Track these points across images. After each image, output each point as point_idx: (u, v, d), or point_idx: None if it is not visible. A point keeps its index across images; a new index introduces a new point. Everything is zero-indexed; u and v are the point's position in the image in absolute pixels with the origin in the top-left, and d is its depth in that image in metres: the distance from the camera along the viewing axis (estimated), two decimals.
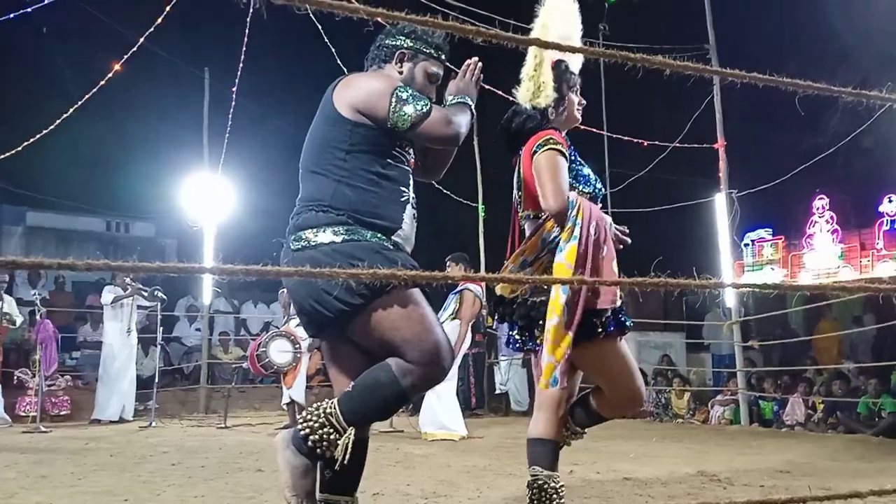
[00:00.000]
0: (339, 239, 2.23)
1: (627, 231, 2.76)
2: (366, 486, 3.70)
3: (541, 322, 2.61)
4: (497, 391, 10.47)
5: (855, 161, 10.11)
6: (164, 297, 8.83)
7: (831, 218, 10.35)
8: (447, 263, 6.91)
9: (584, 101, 2.87)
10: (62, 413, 8.95)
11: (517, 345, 2.75)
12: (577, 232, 2.55)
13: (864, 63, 9.42)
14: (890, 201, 9.63)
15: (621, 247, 2.74)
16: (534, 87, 2.77)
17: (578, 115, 2.87)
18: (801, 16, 9.89)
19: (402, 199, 2.36)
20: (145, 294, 8.66)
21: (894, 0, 6.69)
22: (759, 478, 4.49)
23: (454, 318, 6.70)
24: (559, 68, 2.79)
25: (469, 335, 6.83)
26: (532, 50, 2.76)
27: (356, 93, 2.33)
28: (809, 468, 5.02)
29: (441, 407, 6.78)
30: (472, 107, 2.46)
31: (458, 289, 6.74)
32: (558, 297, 2.51)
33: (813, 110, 9.18)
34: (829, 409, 7.89)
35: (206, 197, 10.46)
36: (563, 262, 2.53)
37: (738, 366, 8.91)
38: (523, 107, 2.79)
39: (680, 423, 9.16)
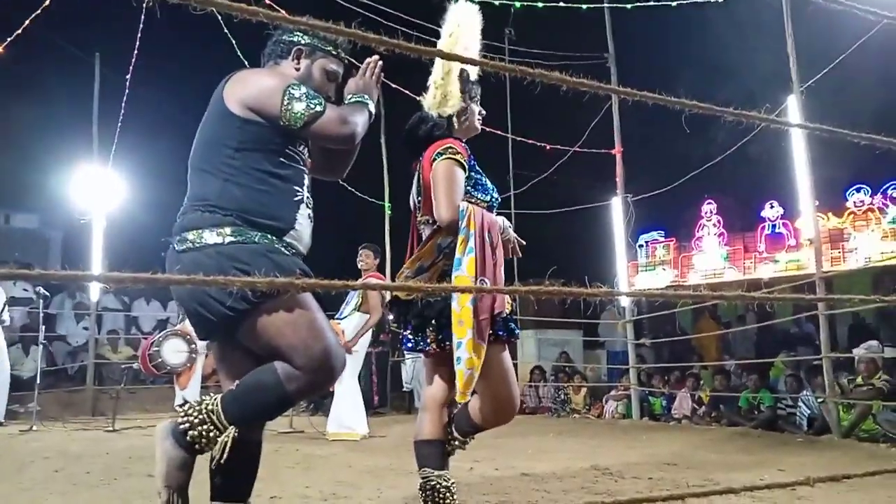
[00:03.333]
0: (223, 240, 2.18)
1: (524, 243, 2.82)
2: (262, 489, 3.64)
3: (433, 322, 2.66)
4: (404, 388, 10.53)
5: (741, 169, 10.72)
6: (47, 293, 8.36)
7: (718, 221, 10.96)
8: (359, 252, 6.84)
9: (483, 112, 2.94)
10: None
11: (410, 344, 2.77)
12: (471, 242, 2.58)
13: (751, 80, 10.04)
14: (772, 207, 10.30)
15: (518, 255, 2.81)
16: (441, 95, 2.81)
17: (478, 125, 2.94)
18: (696, 32, 10.38)
19: (296, 199, 2.32)
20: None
21: (778, 22, 7.16)
22: (647, 470, 4.70)
23: (357, 310, 6.65)
24: (462, 77, 2.84)
25: (368, 332, 6.78)
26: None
27: (247, 89, 2.28)
28: (694, 460, 5.28)
29: (342, 406, 6.73)
30: (371, 106, 2.45)
31: (363, 279, 6.70)
32: (467, 309, 2.53)
33: (703, 121, 9.65)
34: (713, 404, 8.33)
35: (96, 188, 9.97)
36: (465, 274, 2.55)
37: (631, 362, 9.29)
38: (429, 113, 2.84)
39: (577, 419, 9.44)
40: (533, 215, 9.75)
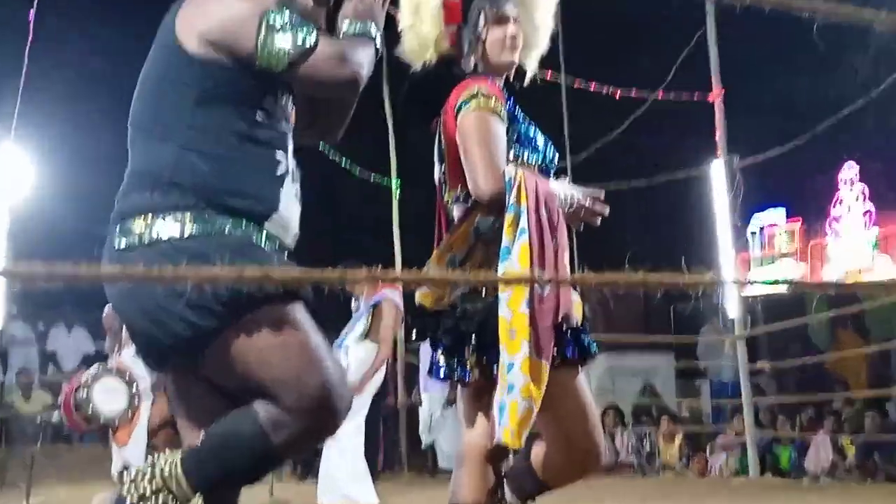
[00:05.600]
0: (183, 232, 2.19)
1: (601, 196, 2.80)
2: None
3: (473, 339, 2.66)
4: (423, 445, 10.40)
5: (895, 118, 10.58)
6: None
7: (863, 194, 10.80)
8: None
9: (516, 33, 2.92)
10: None
11: (443, 372, 2.77)
12: (524, 222, 2.59)
13: None
14: None
15: (597, 221, 2.79)
16: (417, 41, 2.90)
17: (510, 54, 2.92)
18: None
19: (279, 172, 2.34)
20: None
21: None
22: None
23: (365, 338, 6.67)
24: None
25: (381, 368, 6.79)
26: None
27: (209, 18, 2.30)
28: None
29: (343, 467, 6.73)
30: (378, 38, 2.46)
31: (374, 300, 6.74)
32: (521, 316, 2.54)
33: (838, 47, 9.55)
34: (865, 452, 8.21)
35: None
36: (517, 268, 2.56)
37: (744, 396, 9.19)
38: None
39: (670, 477, 9.38)
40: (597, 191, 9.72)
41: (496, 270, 2.61)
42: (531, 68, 3.10)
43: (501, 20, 2.89)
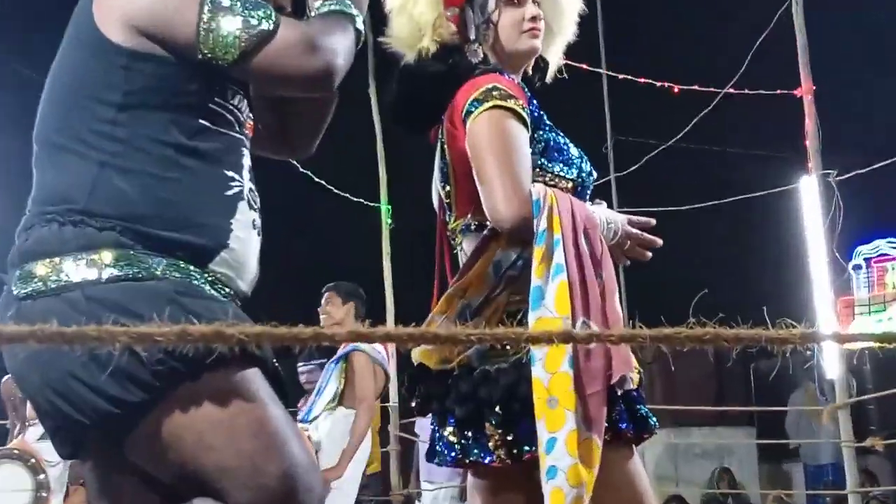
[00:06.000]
0: (100, 275, 2.18)
1: (653, 223, 2.84)
2: None
3: (498, 409, 2.63)
4: None
5: None
6: None
7: None
8: (324, 296, 6.99)
9: (537, 13, 2.94)
10: None
11: (452, 455, 2.75)
12: (559, 256, 2.59)
13: None
14: None
15: (647, 256, 2.84)
16: (410, 25, 2.91)
17: (530, 40, 2.94)
18: None
19: (230, 193, 2.35)
20: None
21: None
22: None
23: (338, 405, 6.66)
24: None
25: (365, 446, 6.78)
26: None
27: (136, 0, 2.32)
28: None
29: None
30: (359, 19, 2.47)
31: (343, 351, 6.76)
32: (563, 378, 2.52)
33: None
34: None
35: None
36: (552, 315, 2.55)
37: (849, 484, 9.13)
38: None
39: None
40: (649, 214, 9.67)
41: (525, 319, 2.60)
42: (554, 61, 3.11)
43: None
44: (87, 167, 2.26)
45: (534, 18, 2.91)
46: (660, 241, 2.81)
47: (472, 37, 2.90)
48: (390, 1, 2.95)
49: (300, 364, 7.44)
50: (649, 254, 2.83)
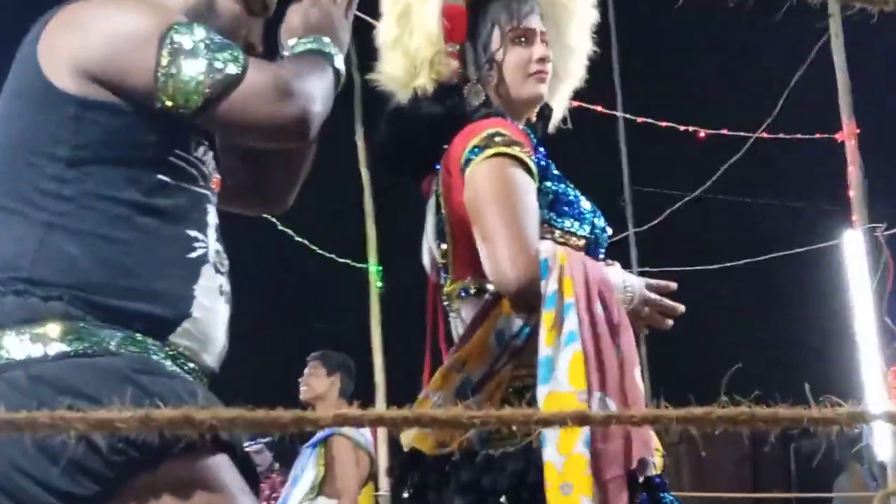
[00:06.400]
0: (46, 351, 2.17)
1: (674, 287, 2.85)
2: None
3: (504, 499, 2.62)
4: None
5: None
6: None
7: None
8: (308, 365, 7.06)
9: (545, 54, 2.97)
10: None
11: None
12: (571, 322, 2.59)
13: None
14: None
15: (668, 324, 2.83)
16: (404, 62, 2.93)
17: (536, 85, 2.97)
18: None
19: (193, 255, 2.34)
20: None
21: None
22: None
23: (318, 496, 6.63)
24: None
25: None
26: None
27: (86, 40, 2.31)
28: None
29: None
30: (339, 59, 2.49)
31: (322, 434, 6.77)
32: (578, 462, 2.51)
33: None
34: None
35: None
36: (566, 390, 2.55)
37: None
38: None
39: None
40: (673, 274, 9.63)
41: (533, 396, 2.59)
42: (559, 108, 3.14)
43: (524, 37, 2.95)
44: (33, 230, 2.25)
45: (542, 60, 2.95)
46: (682, 308, 2.81)
47: (474, 76, 2.94)
48: (382, 34, 2.97)
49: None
50: (670, 322, 2.82)
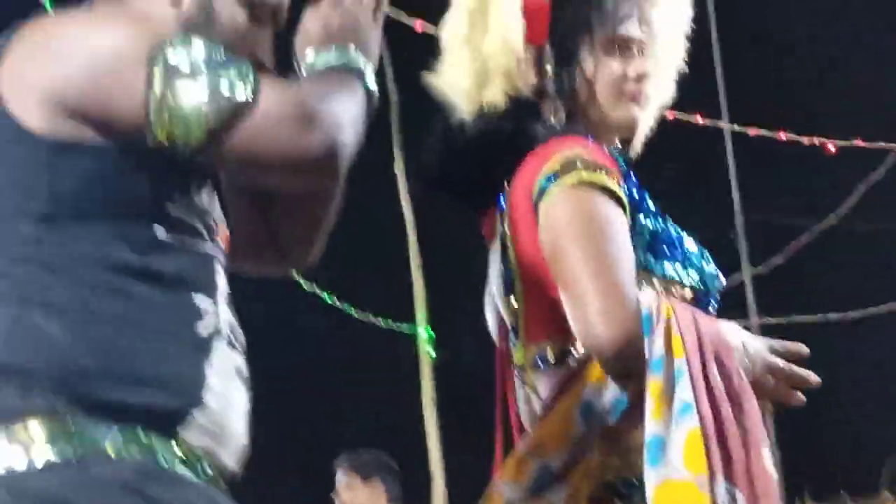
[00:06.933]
0: (30, 460, 2.13)
1: (805, 353, 2.74)
2: None
3: None
4: None
5: None
6: None
7: None
8: (336, 473, 7.15)
9: (644, 70, 2.93)
10: None
11: None
12: (684, 392, 2.51)
13: None
14: None
15: (800, 399, 2.76)
16: (474, 68, 2.89)
17: (633, 107, 2.94)
18: None
19: (201, 329, 2.30)
20: None
21: None
22: None
23: None
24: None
25: None
26: None
27: (60, 66, 2.28)
28: None
29: None
30: (370, 73, 2.45)
31: None
32: None
33: None
34: None
35: None
36: (683, 477, 2.48)
37: None
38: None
39: None
40: (802, 327, 9.60)
41: (632, 494, 2.59)
42: (642, 130, 3.06)
43: (622, 46, 2.91)
44: (4, 307, 2.23)
45: (640, 77, 2.91)
46: (817, 379, 2.71)
47: (553, 90, 2.88)
48: (448, 27, 2.96)
49: None
50: (802, 397, 2.75)
